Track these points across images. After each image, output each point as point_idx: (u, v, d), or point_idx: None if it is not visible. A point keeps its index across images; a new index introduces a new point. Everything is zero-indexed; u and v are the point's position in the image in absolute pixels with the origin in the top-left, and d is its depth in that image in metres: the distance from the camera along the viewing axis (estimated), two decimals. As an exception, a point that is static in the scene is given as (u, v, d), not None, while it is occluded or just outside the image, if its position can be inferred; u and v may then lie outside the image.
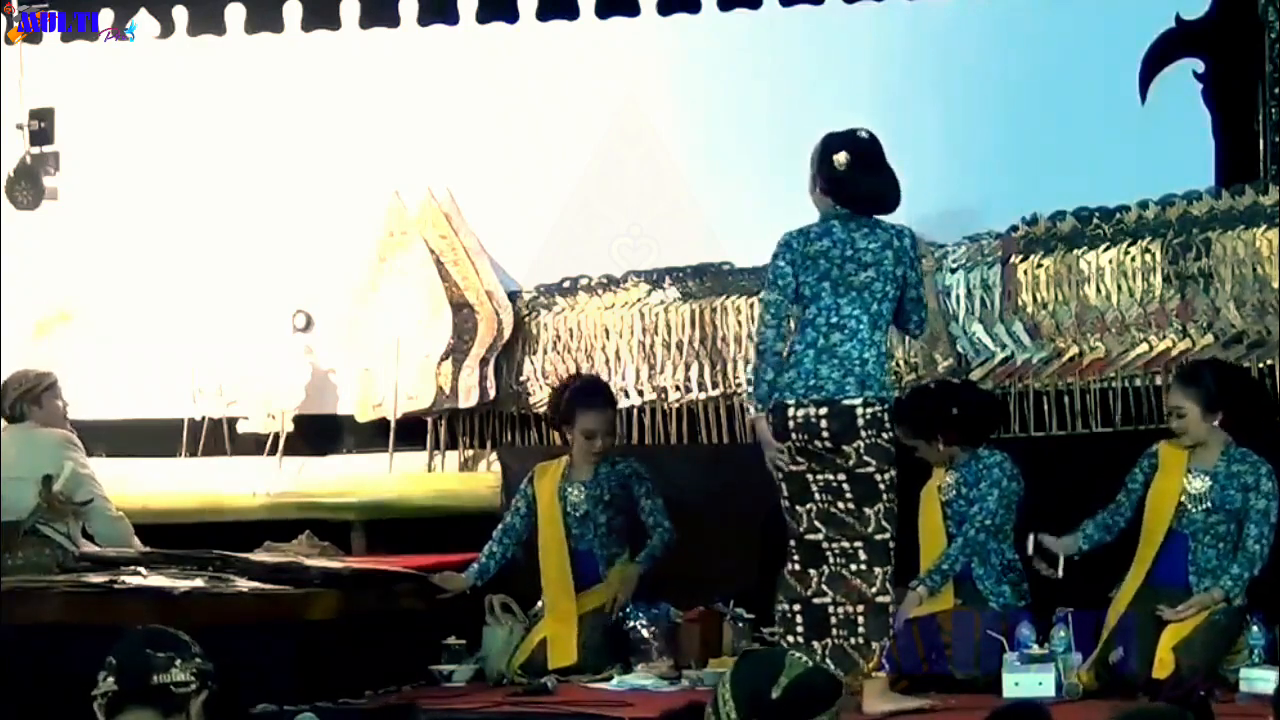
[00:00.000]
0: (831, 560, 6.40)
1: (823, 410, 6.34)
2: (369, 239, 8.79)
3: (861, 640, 6.34)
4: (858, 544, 6.35)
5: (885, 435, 6.35)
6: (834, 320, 6.40)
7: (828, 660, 6.30)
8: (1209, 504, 6.91)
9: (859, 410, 6.31)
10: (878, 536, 6.34)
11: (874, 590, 6.35)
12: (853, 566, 6.36)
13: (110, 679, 4.38)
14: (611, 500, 7.74)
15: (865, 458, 6.32)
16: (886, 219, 6.49)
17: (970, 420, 7.30)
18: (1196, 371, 7.11)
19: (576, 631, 7.51)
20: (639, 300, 8.56)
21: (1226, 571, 6.84)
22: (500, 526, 7.79)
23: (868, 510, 6.35)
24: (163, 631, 4.50)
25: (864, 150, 6.47)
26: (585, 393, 7.83)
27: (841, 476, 6.36)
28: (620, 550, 7.74)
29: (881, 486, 6.34)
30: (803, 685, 3.76)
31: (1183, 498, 6.92)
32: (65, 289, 9.03)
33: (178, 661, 4.39)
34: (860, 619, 6.36)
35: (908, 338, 7.69)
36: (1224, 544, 6.91)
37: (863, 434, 6.31)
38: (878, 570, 6.34)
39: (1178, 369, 7.37)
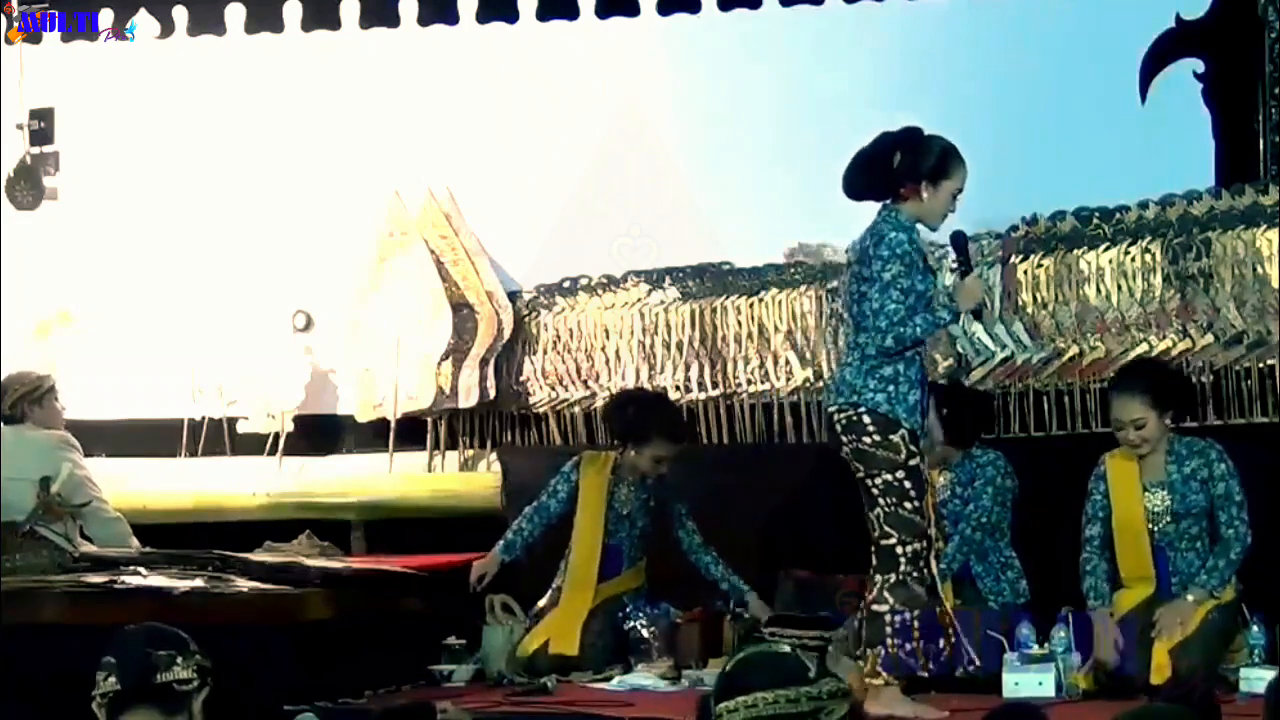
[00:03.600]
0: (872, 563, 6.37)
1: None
2: (369, 239, 8.79)
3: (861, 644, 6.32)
4: (874, 549, 6.32)
5: (868, 440, 6.21)
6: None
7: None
8: (1171, 514, 6.79)
9: (835, 417, 6.30)
10: (883, 542, 6.25)
11: (870, 597, 6.29)
12: (874, 575, 6.32)
13: (111, 678, 4.30)
14: (654, 508, 7.69)
15: (854, 464, 6.29)
16: (893, 218, 6.27)
17: (961, 421, 7.29)
18: (1137, 376, 6.95)
19: (584, 624, 7.48)
20: (639, 300, 8.56)
21: (1204, 569, 6.75)
22: (533, 505, 7.69)
23: (870, 515, 6.29)
24: (161, 629, 4.43)
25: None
26: (662, 418, 7.68)
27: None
28: (643, 555, 7.71)
29: (875, 492, 6.24)
30: (749, 661, 3.82)
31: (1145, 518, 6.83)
32: (65, 289, 9.03)
33: (179, 659, 4.33)
34: (858, 623, 6.35)
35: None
36: (1201, 543, 6.80)
37: (843, 439, 6.28)
38: (879, 578, 6.26)
39: (1113, 381, 7.10)
